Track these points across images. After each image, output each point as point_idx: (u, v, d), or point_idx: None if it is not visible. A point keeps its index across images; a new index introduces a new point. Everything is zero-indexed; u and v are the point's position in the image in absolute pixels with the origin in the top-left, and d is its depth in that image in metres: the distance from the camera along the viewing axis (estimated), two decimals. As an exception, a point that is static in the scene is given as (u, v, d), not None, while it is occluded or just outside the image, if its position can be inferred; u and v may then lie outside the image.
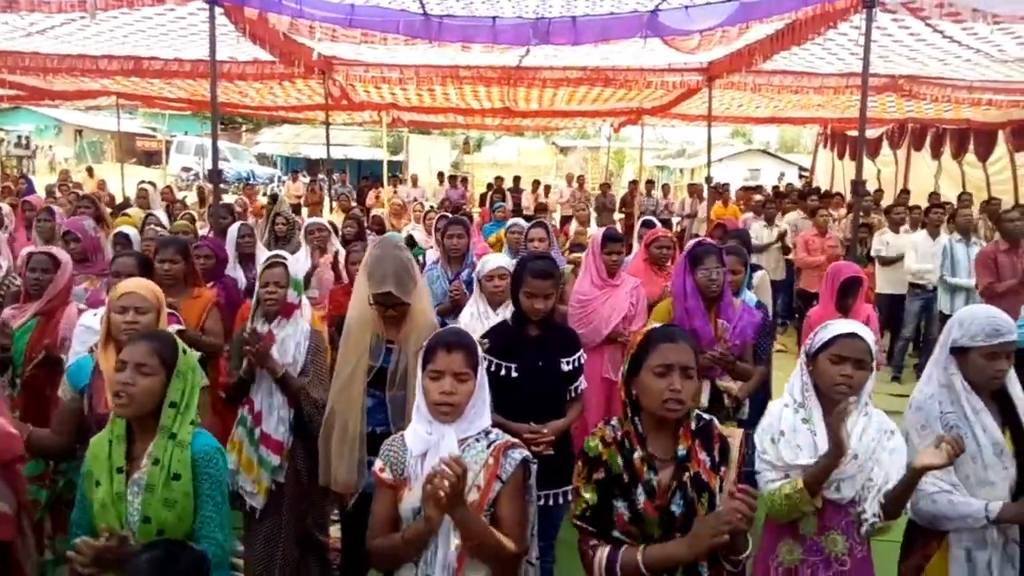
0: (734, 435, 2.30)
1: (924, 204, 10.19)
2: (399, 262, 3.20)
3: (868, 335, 2.58)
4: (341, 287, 5.16)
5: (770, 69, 10.00)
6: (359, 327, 3.27)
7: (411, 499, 2.30)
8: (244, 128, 39.00)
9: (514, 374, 3.32)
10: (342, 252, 6.10)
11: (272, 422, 3.54)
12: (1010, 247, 6.63)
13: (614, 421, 2.33)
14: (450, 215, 7.03)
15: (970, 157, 14.24)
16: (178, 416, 2.39)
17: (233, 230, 6.00)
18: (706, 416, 2.32)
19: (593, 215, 15.38)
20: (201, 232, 7.20)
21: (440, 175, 18.83)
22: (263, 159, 34.86)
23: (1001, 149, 13.35)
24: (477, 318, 4.27)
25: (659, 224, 6.23)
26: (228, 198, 12.58)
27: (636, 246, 6.31)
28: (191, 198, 14.36)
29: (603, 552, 2.19)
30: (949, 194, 13.51)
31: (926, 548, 2.70)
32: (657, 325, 2.40)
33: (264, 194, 18.09)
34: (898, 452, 2.60)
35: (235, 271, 5.68)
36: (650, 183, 18.08)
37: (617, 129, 19.01)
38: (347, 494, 3.26)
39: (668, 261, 5.41)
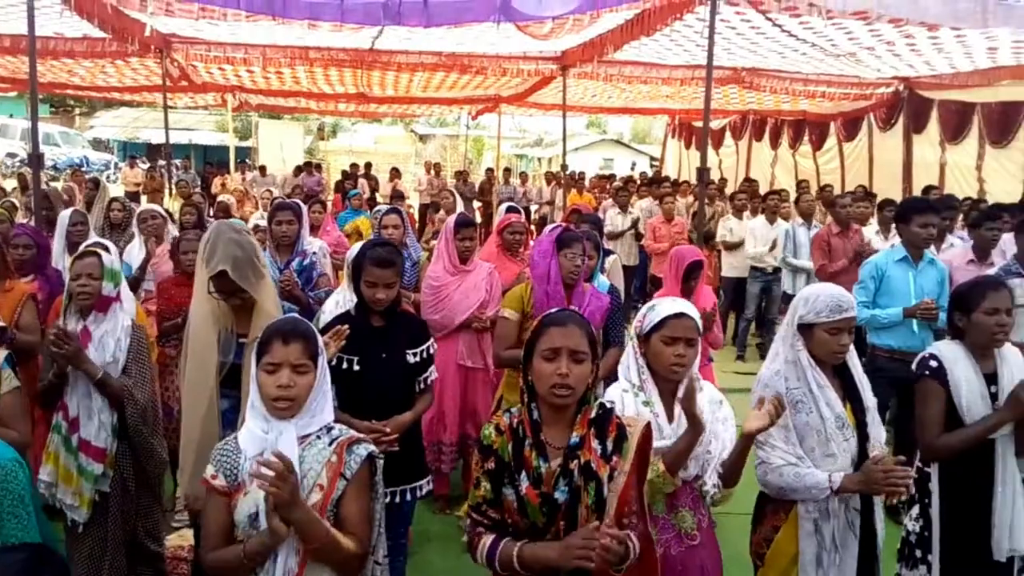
0: (634, 425, 2.23)
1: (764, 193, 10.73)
2: (237, 244, 2.96)
3: (694, 312, 2.61)
4: (171, 278, 4.75)
5: (621, 59, 10.22)
6: (203, 322, 3.00)
7: (247, 505, 2.12)
8: (77, 111, 36.27)
9: (356, 367, 3.14)
10: (182, 242, 5.69)
11: (92, 428, 3.23)
12: (842, 231, 7.07)
13: (514, 408, 2.25)
14: (280, 199, 6.69)
15: (804, 148, 15.19)
16: None
17: (64, 216, 5.50)
18: (608, 404, 2.25)
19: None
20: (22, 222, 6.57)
21: (297, 169, 18.01)
22: (98, 144, 32.53)
23: (832, 140, 14.30)
24: (343, 306, 4.10)
25: (520, 211, 6.21)
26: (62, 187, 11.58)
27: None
28: (14, 186, 13.14)
29: (486, 540, 2.15)
30: (784, 183, 14.37)
31: (775, 519, 2.78)
32: (554, 310, 2.32)
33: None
34: (729, 421, 2.67)
35: (63, 260, 5.20)
36: (507, 171, 18.20)
37: (475, 117, 18.98)
38: (196, 507, 3.01)
39: (521, 247, 5.41)
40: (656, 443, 2.51)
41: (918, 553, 3.02)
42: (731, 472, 2.58)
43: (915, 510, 3.07)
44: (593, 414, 2.18)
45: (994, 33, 7.31)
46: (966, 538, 2.92)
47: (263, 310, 2.97)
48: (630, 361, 2.67)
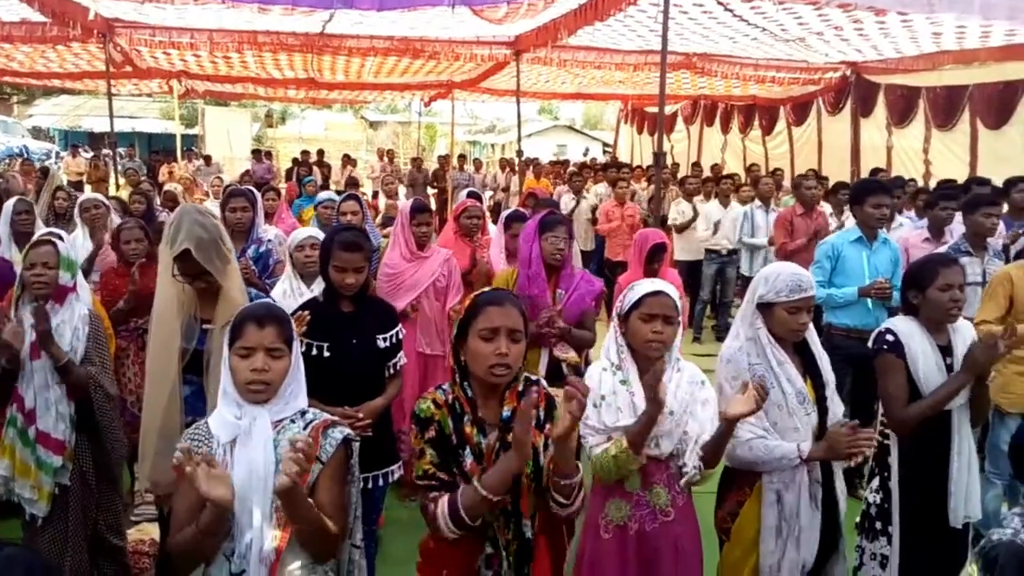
0: (560, 394, 2.25)
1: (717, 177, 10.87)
2: (201, 226, 2.91)
3: (673, 291, 2.65)
4: (113, 268, 4.63)
5: (575, 44, 10.25)
6: (167, 306, 2.95)
7: (220, 493, 2.08)
8: (15, 99, 35.07)
9: (326, 354, 3.12)
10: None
11: (50, 419, 3.14)
12: (805, 211, 7.23)
13: (445, 385, 2.26)
14: (233, 185, 6.59)
15: (754, 133, 15.41)
16: None
17: (8, 206, 5.36)
18: (533, 378, 2.28)
19: (403, 189, 15.22)
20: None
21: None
22: (38, 133, 31.54)
23: (781, 124, 14.53)
24: (291, 295, 4.07)
25: (481, 196, 6.21)
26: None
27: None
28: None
29: (443, 502, 2.11)
30: (733, 167, 14.58)
31: (739, 494, 2.85)
32: (485, 289, 2.33)
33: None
34: (710, 402, 2.70)
35: (10, 251, 5.08)
36: (462, 157, 18.14)
37: (428, 103, 18.84)
38: (166, 495, 2.96)
39: (478, 231, 5.41)
40: (626, 421, 2.56)
41: (878, 525, 3.09)
42: (712, 454, 2.62)
43: (875, 482, 3.14)
44: (521, 388, 2.23)
45: (939, 18, 7.50)
46: (924, 508, 3.01)
47: (228, 296, 2.92)
48: (610, 340, 2.71)
